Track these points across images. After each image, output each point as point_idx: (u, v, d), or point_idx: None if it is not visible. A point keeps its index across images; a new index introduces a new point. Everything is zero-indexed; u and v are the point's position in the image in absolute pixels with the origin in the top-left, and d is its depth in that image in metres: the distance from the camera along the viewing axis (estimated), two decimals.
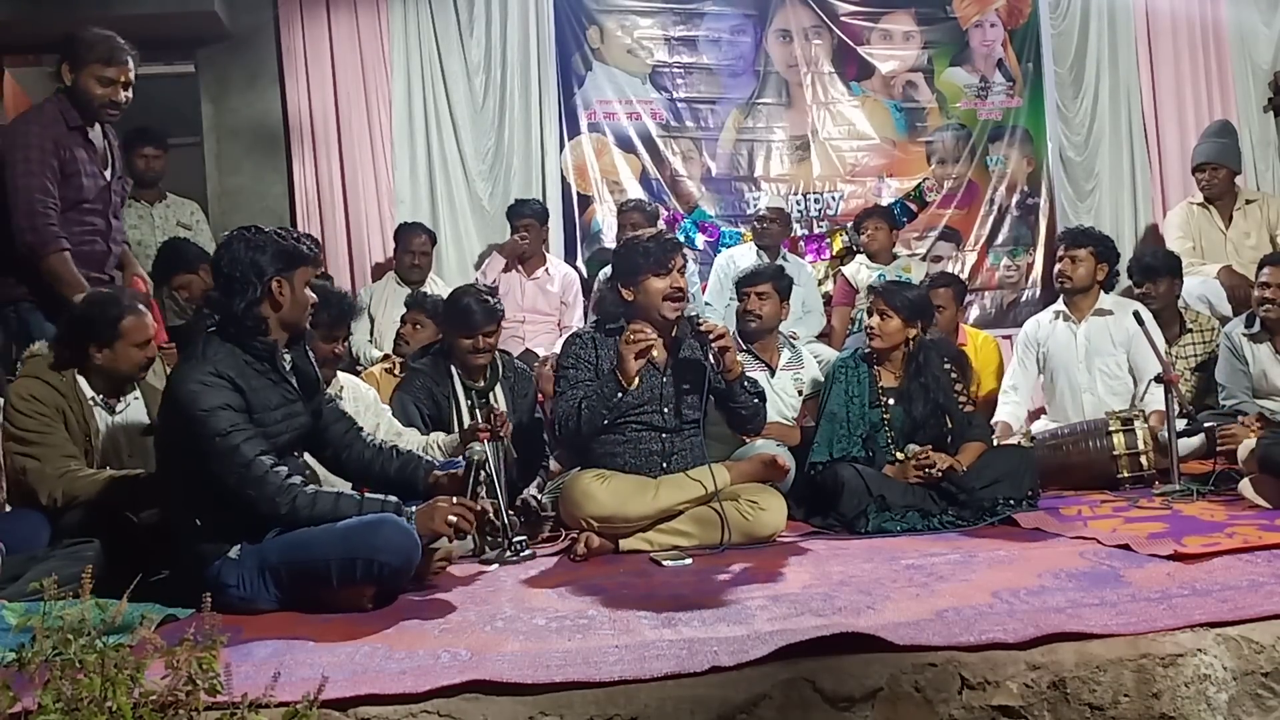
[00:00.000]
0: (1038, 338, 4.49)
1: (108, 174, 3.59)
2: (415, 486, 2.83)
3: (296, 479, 2.55)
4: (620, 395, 3.15)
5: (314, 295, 2.71)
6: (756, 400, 3.34)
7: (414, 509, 2.58)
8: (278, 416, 2.63)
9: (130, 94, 3.57)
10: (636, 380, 3.17)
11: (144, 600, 2.55)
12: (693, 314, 3.20)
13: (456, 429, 3.54)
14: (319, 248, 2.79)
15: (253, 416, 2.55)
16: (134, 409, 3.24)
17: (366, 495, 2.61)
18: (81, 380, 3.11)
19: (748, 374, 3.37)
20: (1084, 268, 4.33)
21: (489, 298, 3.64)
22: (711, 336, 3.14)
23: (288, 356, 2.73)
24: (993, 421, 4.37)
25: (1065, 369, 4.38)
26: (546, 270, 5.38)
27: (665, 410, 3.29)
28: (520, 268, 5.34)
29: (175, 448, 2.60)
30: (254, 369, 2.60)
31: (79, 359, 3.10)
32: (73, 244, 3.42)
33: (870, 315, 3.68)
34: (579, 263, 5.77)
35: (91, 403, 3.11)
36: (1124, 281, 4.82)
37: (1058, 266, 4.43)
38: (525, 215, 5.34)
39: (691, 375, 3.26)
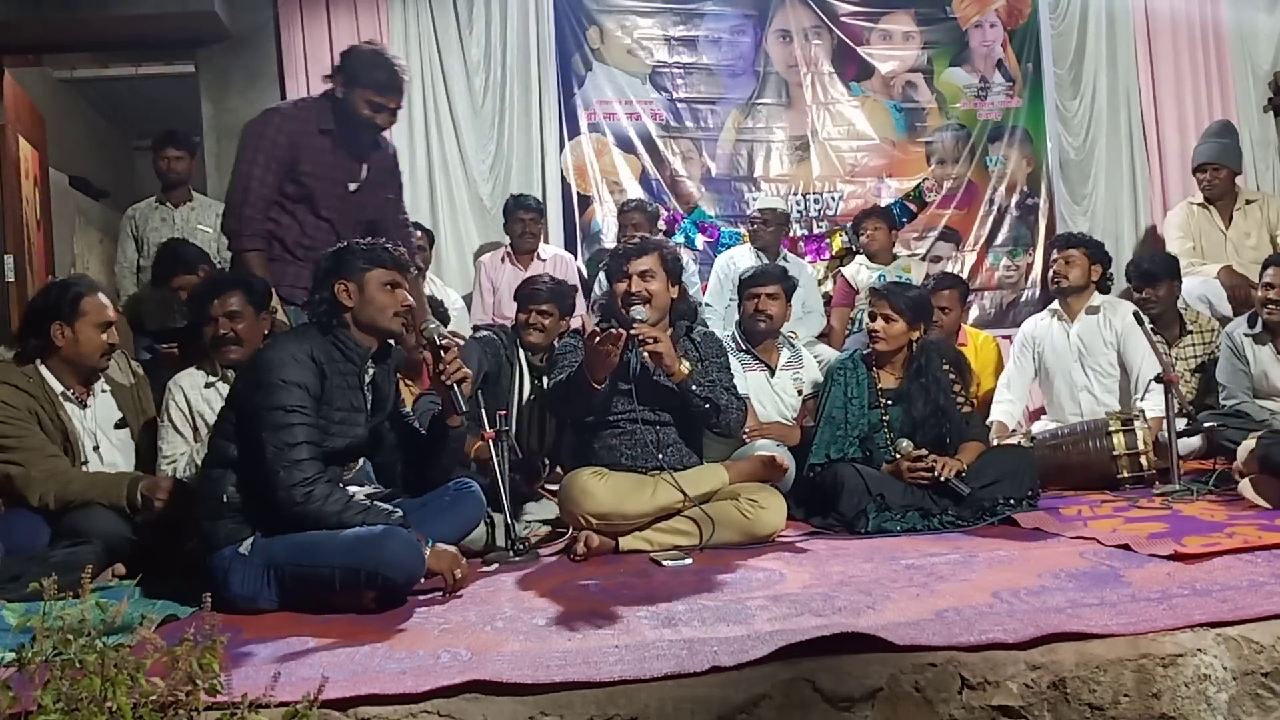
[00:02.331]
0: (1035, 336, 4.50)
1: (352, 185, 3.58)
2: (436, 450, 2.95)
3: (323, 478, 2.57)
4: (595, 390, 3.15)
5: (402, 300, 2.77)
6: (706, 405, 3.29)
7: (432, 543, 2.60)
8: (336, 419, 2.67)
9: (395, 119, 3.60)
10: (605, 381, 3.15)
11: (146, 597, 2.58)
12: (638, 317, 3.17)
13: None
14: (400, 253, 2.82)
15: (319, 409, 2.61)
16: (103, 402, 3.22)
17: (374, 504, 2.62)
18: (48, 375, 3.09)
19: (694, 377, 3.29)
20: (1078, 268, 4.35)
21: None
22: (639, 340, 3.11)
23: (371, 370, 2.79)
24: (987, 421, 4.37)
25: (1061, 369, 4.39)
26: (539, 257, 5.37)
27: (656, 407, 3.32)
28: (516, 262, 5.34)
29: (239, 410, 2.64)
30: (339, 368, 2.69)
31: (42, 346, 3.08)
32: (302, 241, 3.48)
33: (873, 319, 3.66)
34: (579, 262, 5.76)
35: (62, 397, 3.09)
36: (1121, 284, 4.82)
37: (1052, 268, 4.47)
38: (531, 209, 5.35)
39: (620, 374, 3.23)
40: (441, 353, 2.87)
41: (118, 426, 3.23)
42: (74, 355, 3.10)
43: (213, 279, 3.60)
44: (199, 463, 3.10)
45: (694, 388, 3.26)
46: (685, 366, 3.24)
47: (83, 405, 3.16)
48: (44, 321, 3.08)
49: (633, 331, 3.13)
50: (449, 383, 2.86)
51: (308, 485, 2.53)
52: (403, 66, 3.57)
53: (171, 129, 5.31)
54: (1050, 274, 4.51)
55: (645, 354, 3.19)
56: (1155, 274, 4.65)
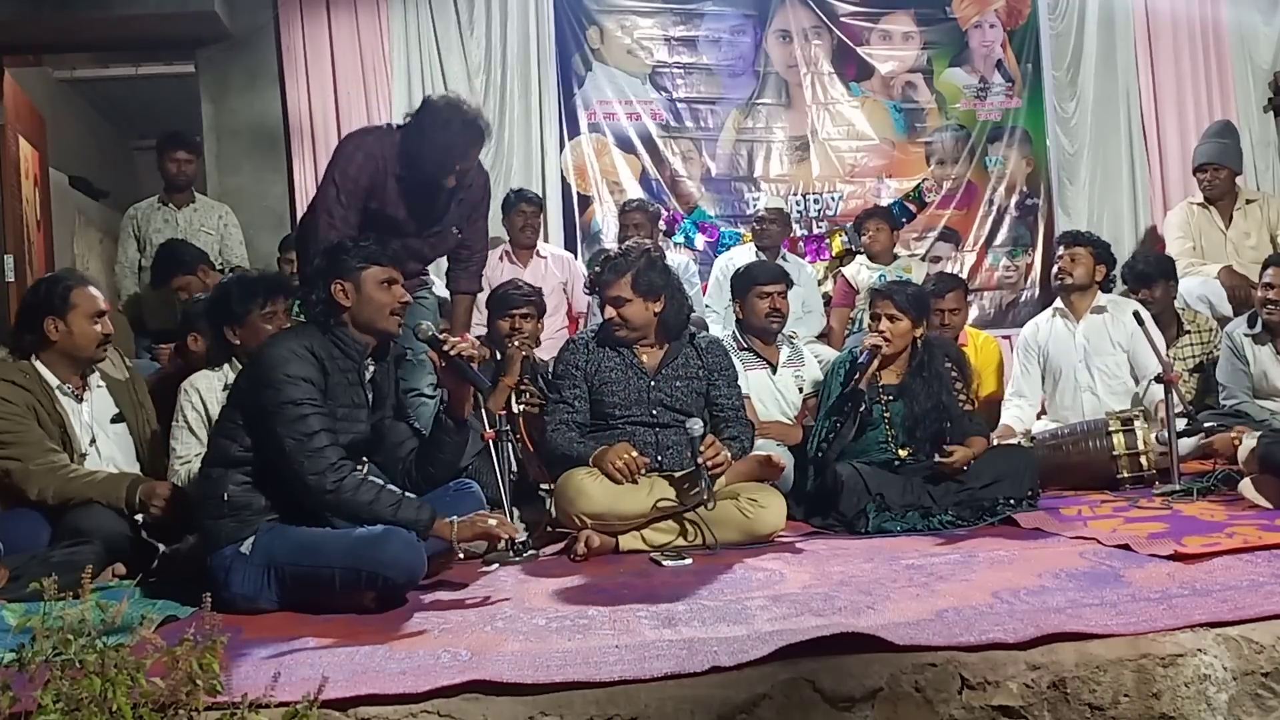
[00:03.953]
0: (1038, 339, 4.49)
1: (427, 232, 3.49)
2: (440, 446, 2.87)
3: (349, 465, 2.58)
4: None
5: (399, 297, 2.76)
6: (740, 450, 3.36)
7: (453, 519, 2.60)
8: (339, 415, 2.67)
9: (464, 178, 3.47)
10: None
11: (146, 597, 2.58)
12: (697, 434, 3.12)
13: None
14: (394, 250, 2.82)
15: (325, 403, 2.61)
16: (99, 397, 3.22)
17: (406, 496, 2.62)
18: (44, 370, 3.09)
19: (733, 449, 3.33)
20: (1083, 266, 4.36)
21: None
22: (710, 466, 3.11)
23: (371, 367, 2.80)
24: (1000, 425, 4.37)
25: (1065, 368, 4.39)
26: (537, 254, 5.36)
27: (654, 411, 3.35)
28: (516, 259, 5.33)
29: (240, 409, 2.64)
30: (339, 364, 2.69)
31: (37, 341, 3.09)
32: None
33: (876, 320, 3.63)
34: (579, 262, 5.76)
35: (58, 391, 3.09)
36: (1118, 287, 4.81)
37: (1057, 265, 4.46)
38: (531, 202, 5.33)
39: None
40: (441, 344, 2.85)
41: (114, 421, 3.24)
42: (69, 348, 3.11)
43: (264, 279, 3.47)
44: None
45: (733, 456, 3.28)
46: (729, 455, 3.23)
47: (79, 399, 3.16)
48: (37, 317, 3.09)
49: (701, 460, 3.09)
50: (460, 356, 2.81)
51: (337, 471, 2.53)
52: (477, 123, 3.39)
53: (177, 130, 5.30)
54: (1055, 270, 4.49)
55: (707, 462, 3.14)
56: (1150, 275, 4.65)
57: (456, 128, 3.36)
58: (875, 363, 3.53)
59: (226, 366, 3.27)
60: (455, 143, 3.36)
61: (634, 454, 3.15)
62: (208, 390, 3.22)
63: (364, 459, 2.86)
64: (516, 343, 3.63)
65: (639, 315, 3.37)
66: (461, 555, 2.78)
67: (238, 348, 3.26)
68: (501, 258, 5.31)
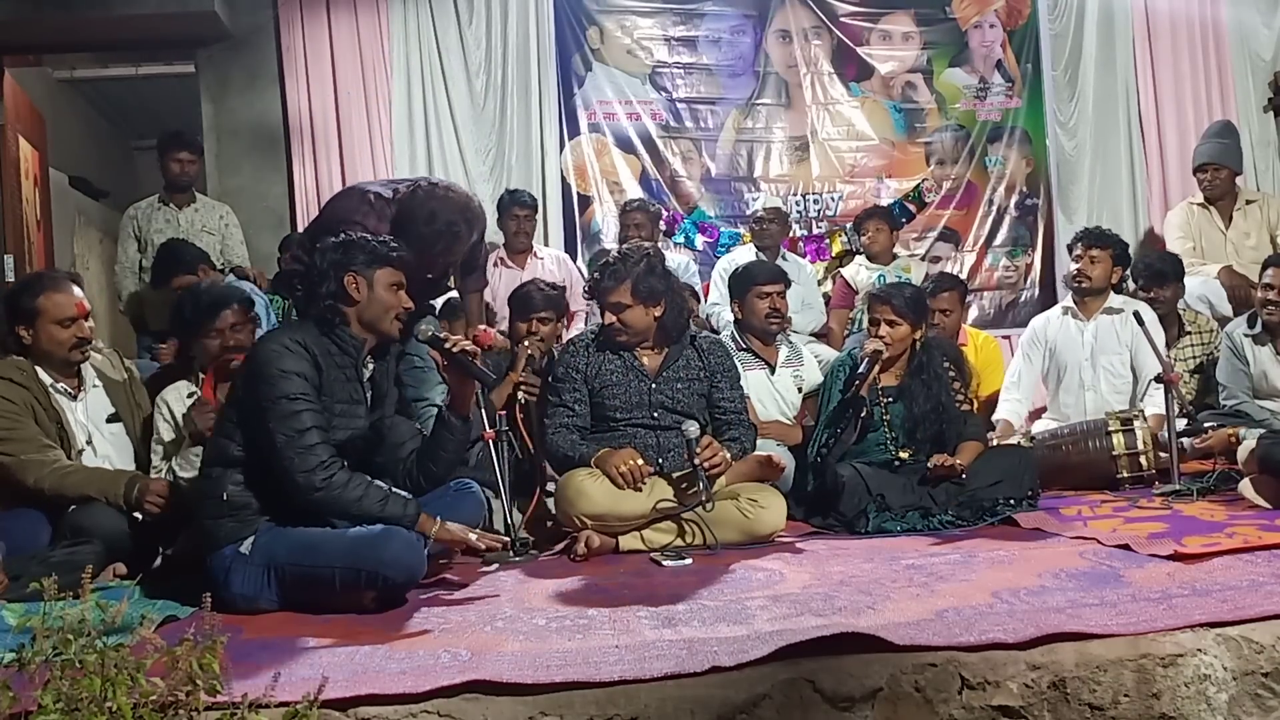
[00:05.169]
0: (1045, 334, 4.47)
1: (424, 289, 3.49)
2: (442, 443, 2.84)
3: (339, 463, 2.58)
4: None
5: (404, 302, 2.77)
6: (740, 451, 3.37)
7: (439, 519, 2.61)
8: (336, 410, 2.67)
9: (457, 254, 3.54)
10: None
11: (146, 597, 2.58)
12: (693, 435, 3.14)
13: None
14: (401, 252, 2.83)
15: (319, 399, 2.61)
16: (95, 397, 3.23)
17: (393, 492, 2.63)
18: (39, 369, 3.09)
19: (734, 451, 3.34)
20: (1102, 268, 4.33)
21: None
22: (707, 467, 3.13)
23: (370, 365, 2.80)
24: (994, 419, 4.36)
25: (1071, 366, 4.37)
26: (535, 255, 5.34)
27: (655, 414, 3.35)
28: (511, 261, 5.32)
29: (240, 407, 2.64)
30: (335, 360, 2.68)
31: (17, 345, 3.10)
32: None
33: (875, 325, 3.62)
34: (579, 262, 5.76)
35: (53, 390, 3.10)
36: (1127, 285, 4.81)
37: (1075, 265, 4.39)
38: (526, 205, 5.32)
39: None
40: (443, 342, 2.85)
41: (110, 421, 3.24)
42: (43, 353, 3.10)
43: (208, 294, 3.48)
44: (177, 471, 3.15)
45: (733, 457, 3.29)
46: (729, 455, 3.24)
47: (73, 398, 3.16)
48: (10, 325, 3.09)
49: (698, 460, 3.11)
50: (463, 352, 2.81)
51: (326, 469, 2.53)
52: (465, 215, 3.41)
53: (179, 130, 5.29)
54: (1074, 270, 4.40)
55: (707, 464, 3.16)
56: (1165, 274, 4.63)
57: (440, 224, 3.39)
58: (875, 369, 3.53)
59: (194, 377, 3.30)
60: (439, 237, 3.39)
61: (639, 461, 3.15)
62: (176, 401, 3.27)
63: (360, 456, 2.86)
64: (527, 343, 3.67)
65: (639, 320, 3.36)
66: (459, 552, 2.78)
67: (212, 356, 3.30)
68: (496, 264, 5.26)
